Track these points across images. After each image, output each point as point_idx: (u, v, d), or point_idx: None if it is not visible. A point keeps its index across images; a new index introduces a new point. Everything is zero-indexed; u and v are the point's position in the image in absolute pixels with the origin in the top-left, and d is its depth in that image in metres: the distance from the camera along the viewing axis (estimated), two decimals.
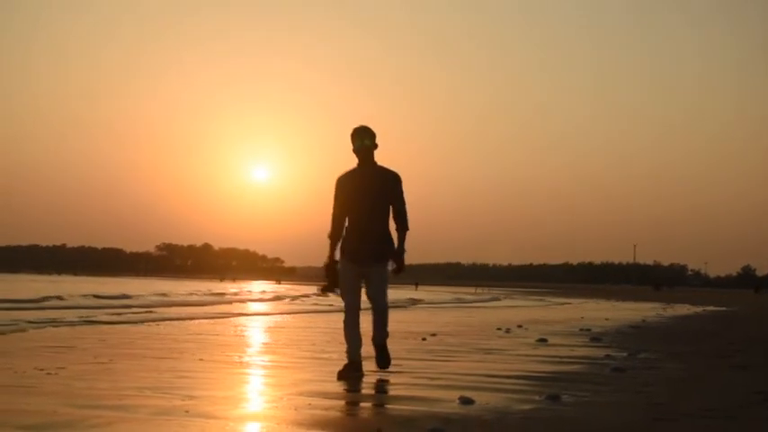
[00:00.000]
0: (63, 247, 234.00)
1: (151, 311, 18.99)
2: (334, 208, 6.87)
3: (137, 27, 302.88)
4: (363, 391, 5.86)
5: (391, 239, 6.84)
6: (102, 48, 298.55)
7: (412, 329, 13.82)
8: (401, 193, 6.88)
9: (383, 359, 7.08)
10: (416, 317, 20.28)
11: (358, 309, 6.82)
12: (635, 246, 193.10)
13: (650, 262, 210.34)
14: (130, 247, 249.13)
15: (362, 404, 5.27)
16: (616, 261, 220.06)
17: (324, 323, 15.75)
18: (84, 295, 28.10)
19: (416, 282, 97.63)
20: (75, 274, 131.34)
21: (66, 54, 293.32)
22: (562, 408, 5.31)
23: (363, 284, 6.88)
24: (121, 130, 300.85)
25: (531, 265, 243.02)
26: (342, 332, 6.90)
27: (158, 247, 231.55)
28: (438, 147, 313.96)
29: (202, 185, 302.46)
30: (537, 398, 5.67)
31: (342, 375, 6.55)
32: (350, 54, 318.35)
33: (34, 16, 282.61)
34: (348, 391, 5.93)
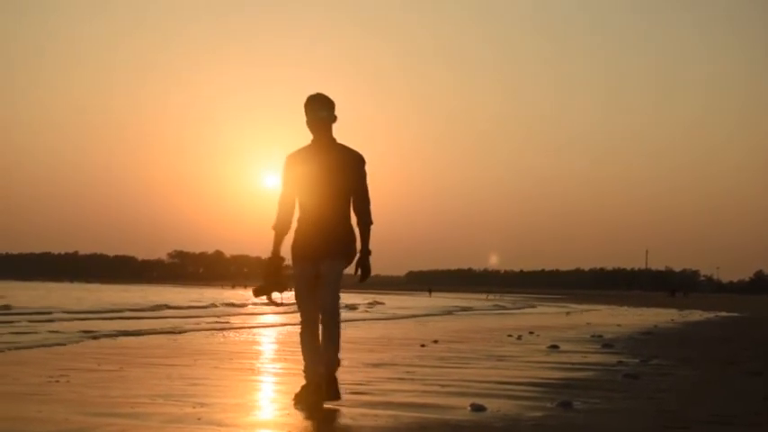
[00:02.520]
0: (75, 254, 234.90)
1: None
2: (282, 192, 5.67)
3: (148, 37, 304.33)
4: (374, 398, 5.86)
5: (353, 234, 5.64)
6: (114, 57, 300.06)
7: (425, 336, 13.82)
8: (364, 178, 5.64)
9: (330, 392, 5.54)
10: (435, 323, 20.28)
11: (317, 320, 5.54)
12: (647, 251, 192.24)
13: (662, 267, 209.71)
14: (142, 254, 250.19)
15: (374, 411, 5.27)
16: (628, 267, 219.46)
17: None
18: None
19: (430, 288, 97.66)
20: (88, 281, 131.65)
21: (79, 63, 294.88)
22: (574, 414, 5.31)
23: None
24: (133, 137, 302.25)
25: (542, 270, 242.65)
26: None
27: (170, 255, 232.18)
28: (447, 153, 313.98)
29: (214, 192, 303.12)
30: (549, 405, 5.67)
31: (299, 399, 5.53)
32: (363, 62, 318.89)
33: (50, 29, 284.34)
34: (359, 396, 5.93)
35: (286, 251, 5.65)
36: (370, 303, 38.28)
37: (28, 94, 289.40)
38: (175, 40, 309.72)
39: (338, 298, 5.53)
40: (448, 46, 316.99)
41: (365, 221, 5.62)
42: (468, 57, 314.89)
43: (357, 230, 5.63)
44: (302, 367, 5.64)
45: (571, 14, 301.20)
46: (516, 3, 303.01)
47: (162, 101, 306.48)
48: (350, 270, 5.66)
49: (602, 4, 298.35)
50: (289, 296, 5.70)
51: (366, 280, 5.59)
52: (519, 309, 39.08)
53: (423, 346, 11.43)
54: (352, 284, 5.71)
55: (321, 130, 5.59)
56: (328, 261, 5.49)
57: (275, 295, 5.60)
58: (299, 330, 5.61)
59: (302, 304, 5.57)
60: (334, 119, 5.62)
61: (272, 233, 5.67)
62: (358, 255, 5.59)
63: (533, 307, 42.82)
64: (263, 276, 5.54)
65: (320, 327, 5.53)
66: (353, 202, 5.60)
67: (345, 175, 5.55)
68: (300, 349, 5.63)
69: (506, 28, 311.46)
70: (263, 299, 5.62)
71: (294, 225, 5.68)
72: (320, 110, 5.58)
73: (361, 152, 5.66)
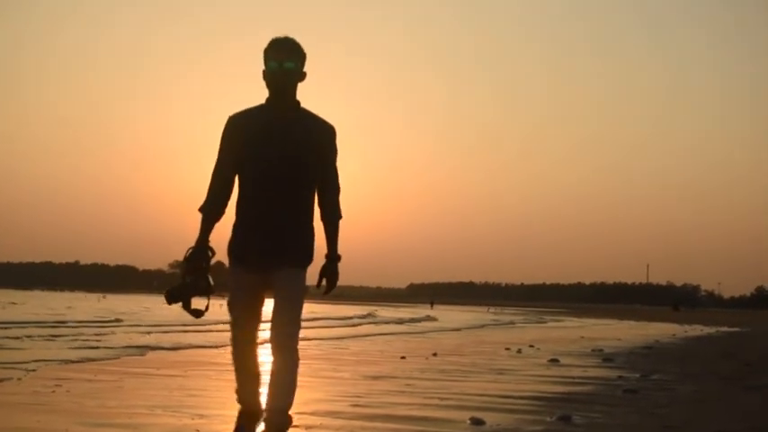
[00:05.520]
0: (76, 264, 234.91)
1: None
2: (217, 164, 4.21)
3: (152, 45, 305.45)
4: (374, 411, 5.84)
5: (313, 232, 4.25)
6: (118, 66, 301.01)
7: (427, 349, 13.79)
8: (334, 157, 4.26)
9: None
10: (436, 337, 20.25)
11: (255, 341, 4.28)
12: (648, 266, 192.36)
13: (663, 282, 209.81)
14: (143, 264, 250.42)
15: (373, 424, 5.25)
16: (629, 281, 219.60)
17: (337, 342, 15.73)
18: None
19: (432, 300, 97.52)
20: (89, 291, 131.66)
21: (81, 70, 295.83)
22: (573, 429, 5.29)
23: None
24: (134, 146, 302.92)
25: (543, 284, 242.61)
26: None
27: (171, 265, 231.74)
28: (447, 165, 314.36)
29: None
30: (548, 419, 5.65)
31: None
32: (358, 71, 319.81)
33: (55, 35, 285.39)
34: (359, 408, 5.91)
35: (218, 245, 4.31)
36: (412, 318, 37.27)
37: (28, 101, 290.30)
38: (179, 48, 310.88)
39: (300, 324, 4.22)
40: (443, 57, 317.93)
41: (334, 214, 4.27)
42: (465, 68, 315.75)
43: (322, 227, 4.29)
44: (235, 388, 4.36)
45: (570, 23, 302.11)
46: (513, 10, 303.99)
47: (163, 110, 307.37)
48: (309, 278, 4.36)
49: (604, 12, 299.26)
50: (220, 303, 4.47)
51: (331, 292, 4.27)
52: (543, 322, 38.99)
53: (402, 358, 11.48)
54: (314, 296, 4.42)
55: (283, 87, 4.16)
56: (287, 270, 4.15)
57: (196, 302, 4.16)
58: (231, 350, 4.30)
59: (239, 320, 4.24)
60: (302, 76, 4.21)
61: (199, 217, 4.24)
62: (325, 260, 4.27)
63: (559, 321, 42.61)
64: (183, 272, 4.17)
65: (274, 360, 4.20)
66: (320, 188, 4.24)
67: (312, 150, 4.16)
68: (234, 369, 4.34)
69: (504, 36, 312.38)
70: (177, 306, 4.19)
71: (233, 217, 4.28)
72: (286, 59, 4.13)
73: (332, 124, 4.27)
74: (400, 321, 32.45)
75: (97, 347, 12.10)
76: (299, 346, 4.20)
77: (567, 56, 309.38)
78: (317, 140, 4.17)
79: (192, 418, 5.30)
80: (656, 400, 6.98)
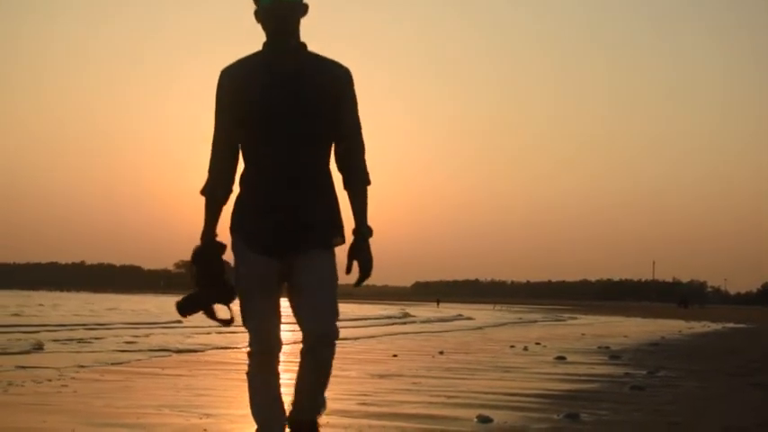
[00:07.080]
0: (82, 264, 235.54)
1: None
2: (215, 131, 3.41)
3: (153, 46, 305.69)
4: (381, 409, 5.84)
5: (336, 199, 3.46)
6: (121, 66, 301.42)
7: (434, 347, 13.79)
8: (355, 107, 3.43)
9: None
10: (443, 335, 20.25)
11: (278, 351, 3.45)
12: (654, 262, 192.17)
13: (669, 279, 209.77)
14: (149, 264, 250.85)
15: (380, 422, 5.25)
16: (635, 278, 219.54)
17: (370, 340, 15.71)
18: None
19: (438, 299, 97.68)
20: (95, 291, 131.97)
21: (86, 70, 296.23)
22: (581, 426, 5.29)
23: (287, 291, 3.44)
24: (138, 146, 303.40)
25: (549, 281, 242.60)
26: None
27: (176, 265, 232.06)
28: (454, 163, 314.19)
29: None
30: (555, 416, 5.64)
31: None
32: (364, 67, 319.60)
33: (70, 37, 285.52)
34: (365, 407, 5.92)
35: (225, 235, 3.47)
36: (444, 318, 36.61)
37: (33, 105, 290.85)
38: (181, 48, 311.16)
39: (336, 310, 3.39)
40: (447, 57, 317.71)
41: (360, 179, 3.45)
42: (469, 67, 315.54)
43: (347, 196, 3.47)
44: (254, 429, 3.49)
45: (576, 25, 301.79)
46: (517, 11, 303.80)
47: (169, 111, 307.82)
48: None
49: (610, 16, 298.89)
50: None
51: (365, 280, 3.41)
52: (562, 320, 38.95)
53: (395, 356, 11.47)
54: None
55: (284, 24, 3.31)
56: (312, 252, 3.34)
57: (220, 309, 3.38)
58: (248, 368, 3.46)
59: (255, 324, 3.40)
60: (304, 9, 3.37)
61: (203, 202, 3.45)
62: (353, 238, 3.43)
63: (575, 318, 42.58)
64: (196, 278, 3.36)
65: (302, 357, 3.46)
66: (339, 146, 3.43)
67: (324, 98, 3.35)
68: (250, 399, 3.49)
69: (509, 35, 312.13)
70: (195, 316, 3.45)
71: (237, 188, 3.45)
72: None
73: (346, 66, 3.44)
74: (435, 320, 32.30)
75: (132, 350, 11.74)
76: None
77: (573, 55, 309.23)
78: (329, 86, 3.36)
79: (200, 418, 5.30)
80: (662, 396, 6.98)
